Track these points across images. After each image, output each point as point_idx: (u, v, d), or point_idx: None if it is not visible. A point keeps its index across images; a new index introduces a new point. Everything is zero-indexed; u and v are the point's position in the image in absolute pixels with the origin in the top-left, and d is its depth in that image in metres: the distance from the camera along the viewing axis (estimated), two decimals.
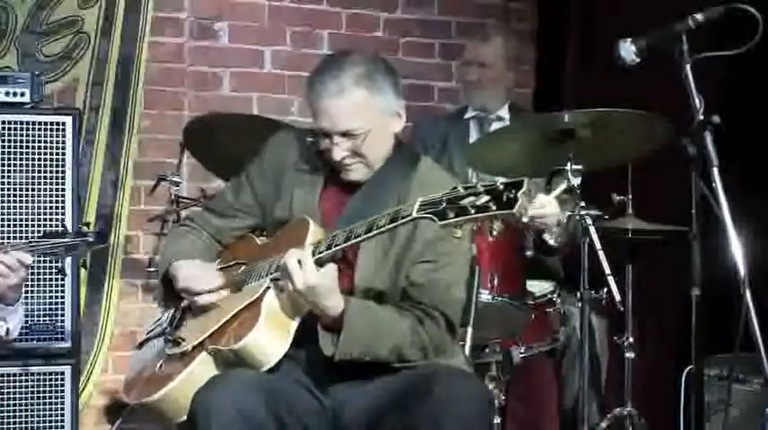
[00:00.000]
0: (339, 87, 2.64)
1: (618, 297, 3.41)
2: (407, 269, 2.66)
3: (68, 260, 3.37)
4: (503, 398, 3.57)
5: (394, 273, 2.66)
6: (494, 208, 2.23)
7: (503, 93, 4.23)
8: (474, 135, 4.21)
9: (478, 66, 4.19)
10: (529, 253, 3.68)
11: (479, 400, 2.54)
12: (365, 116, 2.66)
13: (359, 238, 2.49)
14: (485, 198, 2.24)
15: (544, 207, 3.47)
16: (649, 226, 3.67)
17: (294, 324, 2.59)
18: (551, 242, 3.62)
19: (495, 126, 4.15)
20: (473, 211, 2.25)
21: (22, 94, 3.87)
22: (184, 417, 2.55)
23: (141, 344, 2.93)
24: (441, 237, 2.59)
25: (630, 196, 3.68)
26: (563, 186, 3.50)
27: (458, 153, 4.09)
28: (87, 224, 3.00)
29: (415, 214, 2.37)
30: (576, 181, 3.44)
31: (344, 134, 2.66)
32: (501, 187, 2.24)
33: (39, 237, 2.92)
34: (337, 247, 2.51)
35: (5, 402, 3.78)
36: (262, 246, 2.82)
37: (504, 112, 4.22)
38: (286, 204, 2.79)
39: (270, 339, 2.56)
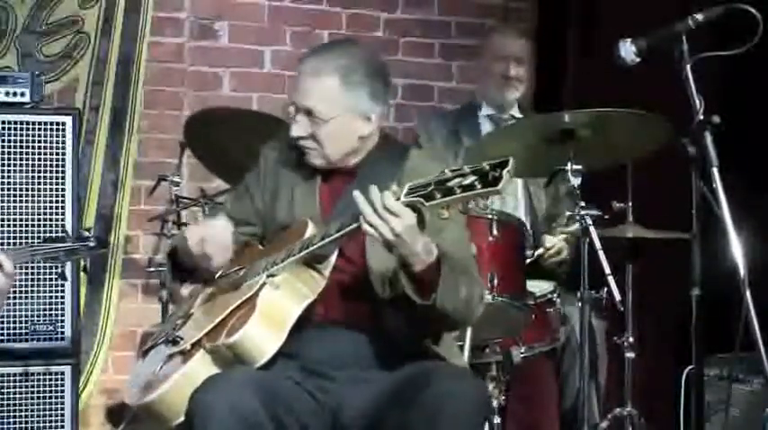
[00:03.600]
0: (317, 68, 2.72)
1: (618, 297, 3.41)
2: None
3: (68, 263, 3.37)
4: (503, 398, 3.58)
5: None
6: (479, 187, 2.30)
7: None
8: None
9: (515, 61, 4.15)
10: (529, 252, 3.69)
11: (476, 398, 2.54)
12: (331, 104, 2.71)
13: (349, 227, 2.51)
14: (471, 178, 2.31)
15: (554, 246, 3.74)
16: (649, 233, 3.66)
17: (291, 320, 2.58)
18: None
19: None
20: (459, 191, 2.32)
21: (22, 94, 3.86)
22: (183, 419, 2.54)
23: (146, 353, 2.92)
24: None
25: (630, 197, 3.67)
26: (571, 229, 3.58)
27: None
28: (89, 229, 2.97)
29: (403, 198, 2.41)
30: (576, 181, 3.45)
31: (307, 112, 2.72)
32: (487, 167, 2.31)
33: (39, 242, 2.91)
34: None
35: (5, 402, 3.77)
36: (263, 250, 2.83)
37: (516, 111, 4.22)
38: (287, 206, 2.81)
39: (264, 333, 2.56)
